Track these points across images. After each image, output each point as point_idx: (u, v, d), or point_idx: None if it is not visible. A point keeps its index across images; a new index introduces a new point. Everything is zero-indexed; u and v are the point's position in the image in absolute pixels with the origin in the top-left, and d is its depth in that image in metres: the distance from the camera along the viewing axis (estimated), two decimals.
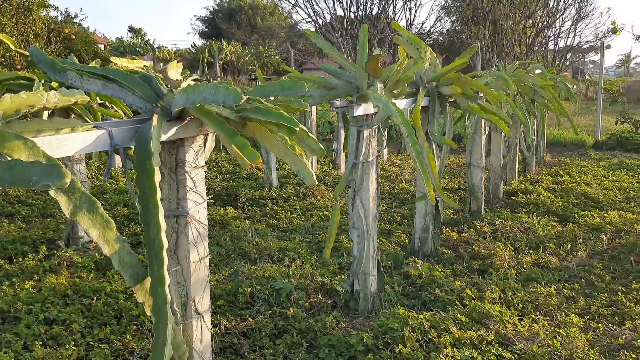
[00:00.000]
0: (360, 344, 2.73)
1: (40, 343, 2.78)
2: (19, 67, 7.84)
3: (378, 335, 2.80)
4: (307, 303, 3.32)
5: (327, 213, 5.28)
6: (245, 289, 3.43)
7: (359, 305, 3.16)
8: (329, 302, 3.34)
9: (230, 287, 3.50)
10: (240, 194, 5.94)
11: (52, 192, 1.33)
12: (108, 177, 1.58)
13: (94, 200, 1.39)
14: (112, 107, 4.33)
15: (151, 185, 1.53)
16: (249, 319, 3.13)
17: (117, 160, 7.15)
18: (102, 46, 16.52)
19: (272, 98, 2.01)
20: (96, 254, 4.00)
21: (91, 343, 2.87)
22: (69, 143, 1.47)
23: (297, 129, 1.69)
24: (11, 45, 4.06)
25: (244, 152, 1.72)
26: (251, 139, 1.95)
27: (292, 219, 5.16)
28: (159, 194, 1.54)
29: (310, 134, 1.88)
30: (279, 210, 5.41)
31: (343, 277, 3.68)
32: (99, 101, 4.19)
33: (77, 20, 15.89)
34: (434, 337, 2.76)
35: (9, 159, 1.29)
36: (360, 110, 2.77)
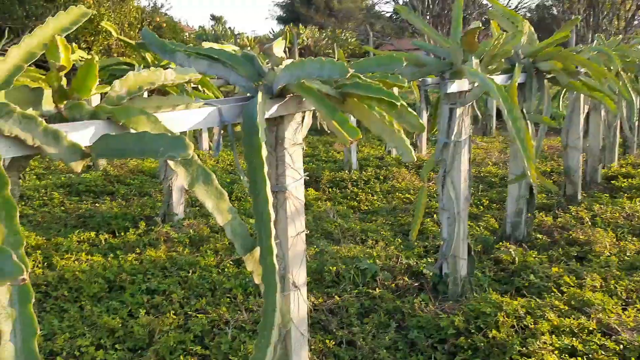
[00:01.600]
0: (451, 326, 2.70)
1: (144, 311, 2.97)
2: (115, 54, 8.32)
3: (470, 319, 2.75)
4: (393, 284, 3.31)
5: (408, 196, 5.23)
6: (331, 268, 3.48)
7: (448, 288, 3.12)
8: (416, 284, 3.32)
9: (316, 265, 3.56)
10: (321, 176, 6.00)
11: (172, 164, 1.40)
12: (218, 152, 1.65)
13: (209, 172, 1.45)
14: (204, 90, 4.49)
15: (259, 160, 1.58)
16: (336, 297, 3.18)
17: (204, 143, 7.42)
18: (186, 34, 17.17)
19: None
20: (190, 230, 4.20)
21: (189, 313, 3.03)
22: (184, 119, 1.55)
23: (399, 104, 1.68)
24: (113, 32, 4.31)
25: (345, 128, 1.73)
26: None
27: (373, 201, 5.16)
28: (266, 168, 1.58)
29: (410, 109, 1.86)
30: (360, 192, 5.42)
31: (429, 260, 3.64)
32: (192, 85, 4.37)
33: (163, 10, 16.59)
34: (530, 324, 2.67)
35: (135, 131, 1.37)
36: (454, 87, 2.71)
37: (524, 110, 3.35)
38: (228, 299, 3.18)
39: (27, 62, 1.37)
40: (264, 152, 1.60)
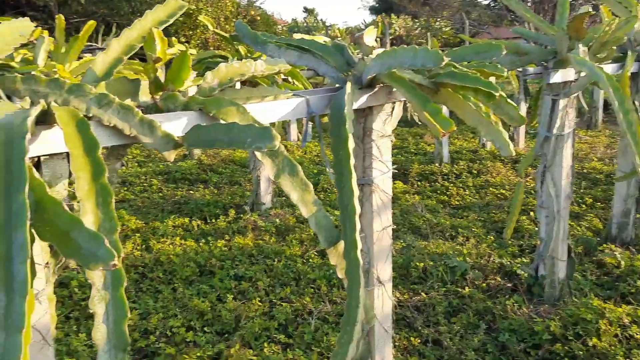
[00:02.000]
0: (546, 332, 2.53)
1: (232, 296, 3.06)
2: (212, 47, 8.64)
3: (567, 325, 2.57)
4: (484, 284, 3.17)
5: (503, 191, 4.99)
6: (418, 264, 3.39)
7: (544, 291, 2.93)
8: (509, 285, 3.15)
9: (402, 260, 3.49)
10: (410, 168, 5.87)
11: (259, 155, 1.41)
12: (305, 143, 1.63)
13: (295, 164, 1.44)
14: (294, 82, 4.53)
15: (345, 152, 1.55)
16: (422, 294, 3.09)
17: (292, 134, 7.52)
18: (280, 27, 17.49)
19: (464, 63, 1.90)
20: (277, 220, 4.27)
21: (274, 300, 3.08)
22: (273, 110, 1.54)
23: (497, 94, 1.57)
24: (210, 26, 4.45)
25: (437, 120, 1.65)
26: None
27: (465, 196, 4.97)
28: (352, 161, 1.55)
29: (509, 100, 1.74)
30: (451, 186, 5.24)
31: (524, 260, 3.44)
32: (282, 77, 4.42)
33: (257, 3, 17.00)
34: (636, 334, 2.45)
35: (224, 122, 1.38)
36: (558, 77, 2.52)
37: (637, 103, 3.05)
38: (312, 290, 3.20)
39: (127, 54, 1.42)
40: (351, 144, 1.56)
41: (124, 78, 1.30)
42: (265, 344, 2.62)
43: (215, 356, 2.56)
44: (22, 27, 1.34)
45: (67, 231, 0.84)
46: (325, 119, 1.75)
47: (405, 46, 1.56)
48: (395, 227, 4.20)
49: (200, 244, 3.81)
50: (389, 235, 2.08)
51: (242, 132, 1.22)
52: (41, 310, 1.20)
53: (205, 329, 2.78)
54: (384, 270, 2.07)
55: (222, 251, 3.67)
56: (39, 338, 1.20)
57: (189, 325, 2.80)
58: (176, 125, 1.35)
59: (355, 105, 1.78)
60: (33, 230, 0.87)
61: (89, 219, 1.04)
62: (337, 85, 1.90)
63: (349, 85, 1.71)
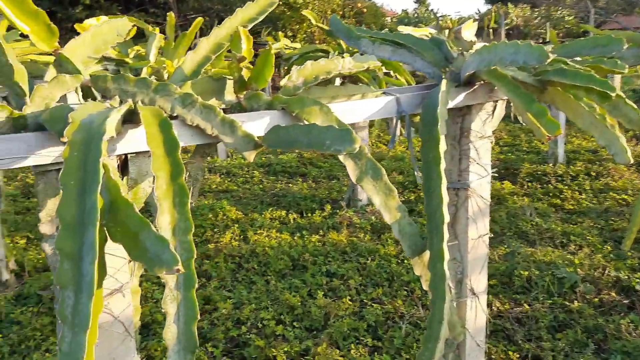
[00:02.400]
0: None
1: (322, 293, 3.05)
2: (317, 41, 8.72)
3: None
4: (596, 299, 2.89)
5: (625, 197, 4.52)
6: (522, 272, 3.17)
7: None
8: (625, 301, 2.85)
9: (505, 267, 3.28)
10: (520, 168, 5.52)
11: (341, 157, 1.35)
12: (393, 145, 1.56)
13: (379, 167, 1.37)
14: (396, 76, 4.42)
15: (436, 155, 1.45)
16: (525, 305, 2.88)
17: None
18: (388, 19, 17.27)
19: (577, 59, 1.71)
20: (372, 217, 4.21)
21: (365, 300, 3.03)
22: (359, 109, 1.48)
23: (613, 94, 1.39)
24: (312, 20, 4.46)
25: (542, 122, 1.49)
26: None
27: (581, 200, 4.57)
28: (443, 165, 1.44)
29: (628, 100, 1.53)
30: (565, 189, 4.85)
31: None
32: (385, 70, 4.32)
33: None
34: None
35: (306, 122, 1.35)
36: None
37: None
38: (405, 292, 3.11)
39: (215, 52, 1.43)
40: (442, 147, 1.46)
41: (209, 77, 1.31)
42: (353, 345, 2.57)
43: (303, 352, 2.56)
44: (120, 26, 1.39)
45: (136, 233, 0.85)
46: (417, 119, 1.65)
47: (506, 41, 1.42)
48: (499, 230, 3.98)
49: (295, 237, 3.85)
50: (486, 244, 1.94)
51: (322, 133, 1.17)
52: (125, 303, 1.24)
53: (295, 324, 2.79)
54: (479, 281, 1.93)
55: (316, 246, 3.68)
56: (121, 329, 1.24)
57: (279, 319, 2.84)
58: (259, 124, 1.33)
59: (452, 104, 1.67)
60: (106, 230, 0.88)
61: (166, 218, 1.05)
62: (429, 83, 1.80)
63: (444, 83, 1.60)
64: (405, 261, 3.47)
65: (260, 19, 1.52)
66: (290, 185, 5.20)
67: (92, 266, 0.80)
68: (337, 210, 4.36)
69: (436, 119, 1.49)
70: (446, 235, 1.38)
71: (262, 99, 1.35)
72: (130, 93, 1.20)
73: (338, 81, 3.49)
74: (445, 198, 1.41)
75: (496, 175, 5.48)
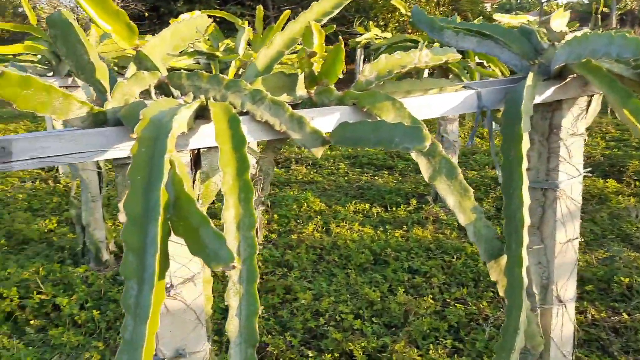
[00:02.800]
0: None
1: (403, 289, 3.00)
2: (410, 31, 8.55)
3: None
4: None
5: None
6: (622, 278, 2.92)
7: None
8: None
9: (603, 272, 3.04)
10: (627, 165, 5.08)
11: (413, 155, 1.31)
12: (472, 142, 1.48)
13: (454, 165, 1.31)
14: (489, 67, 4.22)
15: (517, 153, 1.36)
16: (624, 314, 2.66)
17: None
18: (488, 5, 16.55)
19: None
20: None
21: (447, 300, 2.94)
22: (436, 104, 1.42)
23: None
24: (402, 10, 4.37)
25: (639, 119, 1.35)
26: None
27: None
28: (525, 164, 1.35)
29: None
30: None
31: None
32: (477, 60, 4.14)
33: None
34: None
35: (378, 119, 1.31)
36: None
37: None
38: (491, 294, 2.98)
39: (288, 47, 1.43)
40: (525, 145, 1.37)
41: (281, 73, 1.31)
42: (432, 345, 2.51)
43: (380, 349, 2.53)
44: (199, 23, 1.43)
45: (196, 229, 0.87)
46: (499, 115, 1.56)
47: (599, 32, 1.30)
48: (599, 232, 3.69)
49: (378, 231, 3.81)
50: (575, 249, 1.80)
51: (390, 130, 1.13)
52: (196, 292, 1.29)
53: (373, 319, 2.77)
54: (566, 287, 1.80)
55: (399, 241, 3.62)
56: (193, 317, 1.29)
57: (358, 313, 2.83)
58: (329, 120, 1.32)
59: (539, 99, 1.56)
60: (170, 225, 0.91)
61: (231, 213, 1.07)
62: (520, 75, 1.69)
63: (530, 77, 1.50)
64: (488, 271, 3.32)
65: (336, 12, 1.50)
66: (376, 178, 5.15)
67: (154, 259, 0.83)
68: (423, 205, 4.26)
69: (520, 115, 1.40)
70: (526, 240, 1.29)
71: (333, 94, 1.33)
72: (203, 89, 1.23)
73: (426, 73, 3.39)
74: (527, 200, 1.32)
75: (592, 173, 5.09)
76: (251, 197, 1.08)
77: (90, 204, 3.26)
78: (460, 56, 1.49)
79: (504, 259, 1.35)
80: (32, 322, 2.83)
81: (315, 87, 1.34)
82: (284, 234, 3.84)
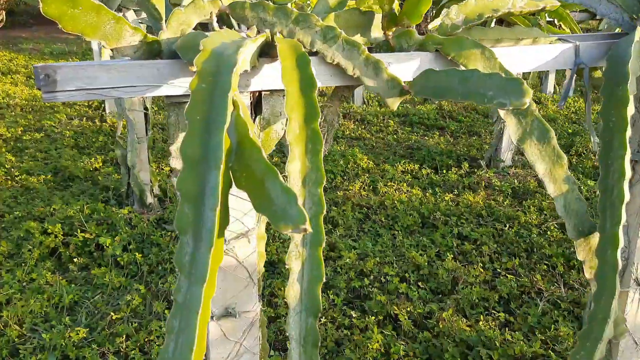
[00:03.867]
0: None
1: (452, 256, 2.86)
2: None
3: None
4: None
5: None
6: None
7: None
8: None
9: None
10: None
11: (502, 112, 1.14)
12: (564, 103, 1.30)
13: (547, 128, 1.14)
14: (560, 25, 3.90)
15: (621, 119, 1.18)
16: None
17: (549, 86, 6.66)
18: None
19: None
20: (514, 180, 3.86)
21: (498, 270, 2.79)
22: (528, 57, 1.24)
23: None
24: None
25: None
26: None
27: None
28: (629, 132, 1.17)
29: None
30: None
31: None
32: (547, 19, 3.83)
33: None
34: None
35: (463, 68, 1.15)
36: None
37: None
38: (545, 267, 2.82)
39: None
40: (630, 110, 1.18)
41: (356, 10, 1.15)
42: (482, 317, 2.39)
43: (426, 315, 2.43)
44: None
45: (262, 180, 0.75)
46: (598, 73, 1.37)
47: None
48: None
49: (427, 194, 3.65)
50: None
51: (483, 82, 0.97)
52: (250, 249, 1.18)
53: (420, 284, 2.66)
54: None
55: (449, 206, 3.46)
56: (245, 275, 1.19)
57: (404, 277, 2.72)
58: (406, 67, 1.16)
59: None
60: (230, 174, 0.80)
61: (296, 166, 0.95)
62: (617, 30, 1.47)
63: (638, 31, 1.29)
64: (549, 233, 3.14)
65: None
66: (426, 138, 4.94)
67: (213, 213, 0.72)
68: (475, 170, 4.06)
69: (626, 74, 1.21)
70: (623, 218, 1.13)
71: (413, 38, 1.17)
72: (268, 23, 1.09)
73: (493, 23, 3.13)
74: (628, 172, 1.15)
75: None
76: (319, 148, 0.95)
77: (136, 145, 3.20)
78: (558, 3, 1.29)
79: (595, 238, 1.19)
80: (75, 259, 2.84)
81: (393, 29, 1.18)
82: (329, 190, 3.73)
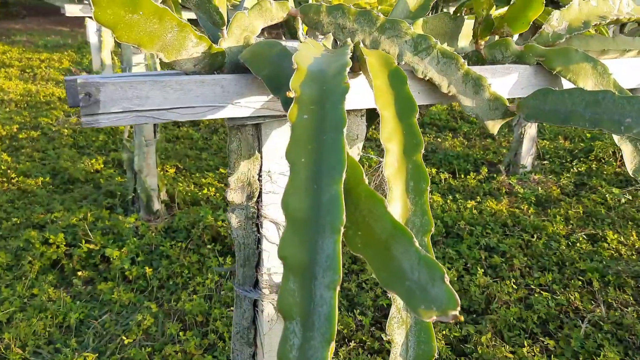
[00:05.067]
0: None
1: (482, 270, 2.70)
2: None
3: None
4: None
5: None
6: None
7: None
8: None
9: None
10: None
11: (616, 139, 0.97)
12: None
13: None
14: None
15: None
16: None
17: None
18: None
19: None
20: (538, 188, 3.70)
21: (532, 286, 2.64)
22: (637, 71, 1.07)
23: None
24: None
25: None
26: None
27: None
28: None
29: None
30: None
31: None
32: None
33: None
34: None
35: (572, 86, 0.97)
36: None
37: None
38: (579, 282, 2.66)
39: None
40: None
41: (446, 15, 0.97)
42: (526, 342, 2.22)
43: (462, 338, 2.27)
44: None
45: (386, 244, 0.57)
46: None
47: None
48: None
49: (448, 201, 3.49)
50: None
51: (620, 107, 0.80)
52: None
53: None
54: None
55: (472, 214, 3.30)
56: None
57: None
58: (503, 82, 0.99)
59: None
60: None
61: (396, 209, 0.77)
62: None
63: None
64: (577, 244, 2.98)
65: None
66: (439, 140, 4.78)
67: (331, 292, 0.54)
68: (495, 175, 3.90)
69: None
70: None
71: (511, 48, 0.99)
72: (348, 30, 0.91)
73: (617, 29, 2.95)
74: None
75: None
76: (425, 187, 0.77)
77: (143, 149, 3.01)
78: None
79: None
80: (79, 272, 2.65)
81: (487, 38, 1.00)
82: None
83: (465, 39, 1.02)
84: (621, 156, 4.20)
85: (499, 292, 2.53)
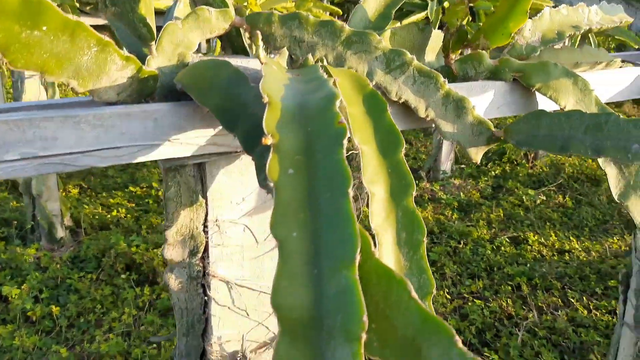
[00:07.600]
0: None
1: None
2: None
3: None
4: None
5: None
6: None
7: None
8: None
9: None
10: None
11: (600, 161, 0.88)
12: None
13: None
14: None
15: None
16: None
17: None
18: None
19: None
20: (461, 194, 3.74)
21: (464, 295, 2.61)
22: (608, 85, 1.00)
23: None
24: None
25: None
26: None
27: None
28: None
29: None
30: None
31: None
32: None
33: None
34: None
35: (548, 103, 0.88)
36: None
37: None
38: (509, 287, 2.68)
39: None
40: None
41: (414, 26, 0.84)
42: None
43: None
44: None
45: (415, 343, 0.42)
46: None
47: None
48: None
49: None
50: None
51: (625, 132, 0.70)
52: None
53: None
54: None
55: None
56: None
57: None
58: (479, 101, 0.87)
59: None
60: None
61: (388, 263, 0.62)
62: None
63: None
64: (502, 248, 3.02)
65: None
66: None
67: None
68: (417, 182, 3.89)
69: None
70: None
71: (483, 63, 0.88)
72: (307, 44, 0.75)
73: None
74: None
75: None
76: (421, 238, 0.63)
77: None
78: (632, 19, 1.07)
79: None
80: None
81: (459, 51, 0.88)
82: None
83: (431, 53, 0.89)
84: (533, 157, 4.37)
85: (434, 304, 2.48)
